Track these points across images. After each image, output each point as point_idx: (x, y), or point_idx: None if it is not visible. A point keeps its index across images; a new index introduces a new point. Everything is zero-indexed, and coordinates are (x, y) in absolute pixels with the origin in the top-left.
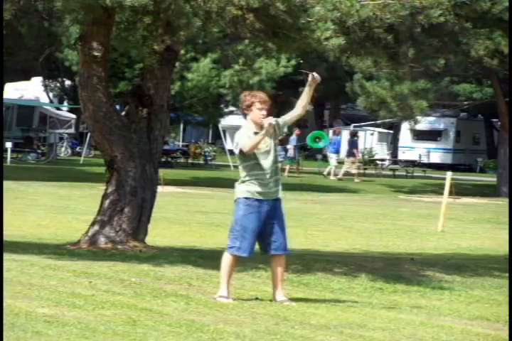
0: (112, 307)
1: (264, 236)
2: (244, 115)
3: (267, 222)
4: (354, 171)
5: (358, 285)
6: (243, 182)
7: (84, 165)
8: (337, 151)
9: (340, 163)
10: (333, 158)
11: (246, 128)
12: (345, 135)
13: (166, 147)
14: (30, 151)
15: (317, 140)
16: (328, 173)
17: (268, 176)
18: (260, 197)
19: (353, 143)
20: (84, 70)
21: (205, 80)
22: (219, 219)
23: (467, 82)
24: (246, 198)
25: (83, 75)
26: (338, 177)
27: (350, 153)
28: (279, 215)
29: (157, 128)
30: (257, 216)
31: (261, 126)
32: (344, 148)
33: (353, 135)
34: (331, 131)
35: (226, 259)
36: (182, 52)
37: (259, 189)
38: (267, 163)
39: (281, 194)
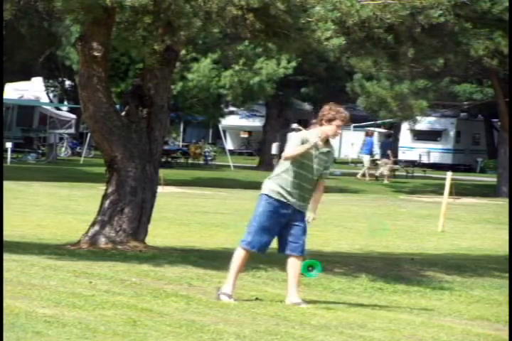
0: (112, 307)
1: (284, 236)
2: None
3: (289, 223)
4: (386, 172)
5: (358, 286)
6: (271, 178)
7: (85, 165)
8: (370, 152)
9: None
10: (366, 160)
11: (309, 135)
12: (350, 135)
13: (166, 147)
14: (31, 151)
15: (310, 268)
16: (363, 175)
17: (295, 187)
18: (282, 199)
19: (387, 144)
20: (85, 70)
21: (206, 81)
22: (219, 220)
23: (467, 82)
24: (268, 196)
25: (83, 75)
26: (367, 178)
27: (384, 155)
28: (302, 219)
29: (157, 128)
30: (275, 216)
31: (326, 141)
32: (367, 149)
33: (388, 136)
34: (363, 133)
35: (237, 252)
36: (183, 52)
37: (282, 191)
38: (301, 177)
39: (306, 210)
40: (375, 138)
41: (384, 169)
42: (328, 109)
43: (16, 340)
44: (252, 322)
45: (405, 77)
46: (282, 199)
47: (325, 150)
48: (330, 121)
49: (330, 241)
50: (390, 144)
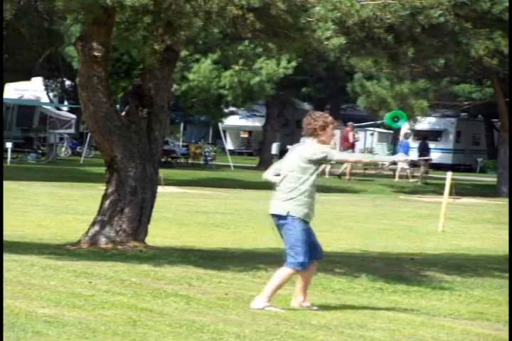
0: (112, 307)
1: (313, 244)
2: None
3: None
4: (418, 174)
5: (359, 286)
6: (296, 199)
7: (85, 165)
8: (406, 154)
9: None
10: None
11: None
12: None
13: (170, 147)
14: (31, 151)
15: (395, 119)
16: (406, 177)
17: (313, 195)
18: (307, 219)
19: (423, 146)
20: (85, 70)
21: (206, 81)
22: (219, 219)
23: (467, 82)
24: (301, 220)
25: (83, 75)
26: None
27: (421, 156)
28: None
29: (157, 128)
30: (310, 230)
31: None
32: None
33: (425, 138)
34: (362, 133)
35: (287, 274)
36: (185, 53)
37: (309, 211)
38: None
39: None
40: (375, 138)
41: (420, 170)
42: (315, 118)
43: (16, 340)
44: (252, 322)
45: (405, 77)
46: (307, 219)
47: None
48: (324, 128)
49: (330, 241)
50: (426, 146)
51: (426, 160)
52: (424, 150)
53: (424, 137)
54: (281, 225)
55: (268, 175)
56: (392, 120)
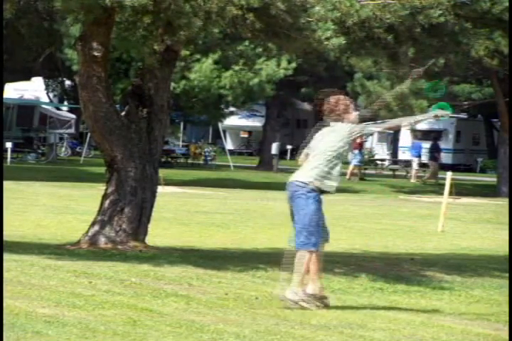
0: (112, 307)
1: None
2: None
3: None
4: (429, 174)
5: (358, 286)
6: (323, 177)
7: (84, 165)
8: (419, 155)
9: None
10: (415, 162)
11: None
12: None
13: (170, 147)
14: (30, 151)
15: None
16: (418, 177)
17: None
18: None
19: (434, 147)
20: (85, 70)
21: (207, 81)
22: (219, 219)
23: (467, 82)
24: (317, 194)
25: (83, 75)
26: (427, 179)
27: (433, 157)
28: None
29: (157, 128)
30: (321, 211)
31: None
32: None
33: (436, 138)
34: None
35: (305, 257)
36: (186, 52)
37: (334, 184)
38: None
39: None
40: (375, 138)
41: (429, 171)
42: (334, 104)
43: (16, 340)
44: (252, 322)
45: (405, 77)
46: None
47: None
48: (347, 111)
49: (330, 241)
50: (437, 147)
51: (435, 160)
52: (435, 151)
53: (435, 138)
54: (296, 197)
55: (302, 160)
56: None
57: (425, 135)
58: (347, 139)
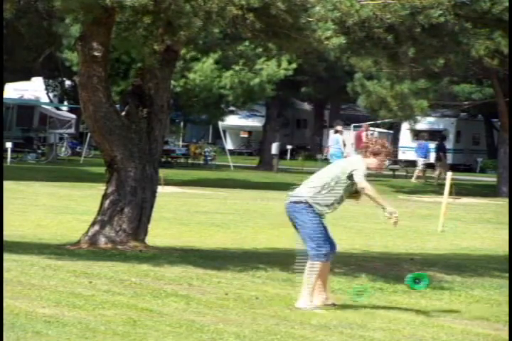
0: (112, 307)
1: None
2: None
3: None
4: (436, 175)
5: (358, 286)
6: (320, 204)
7: (84, 165)
8: (425, 156)
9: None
10: (420, 162)
11: (360, 163)
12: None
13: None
14: (30, 151)
15: (417, 281)
16: (418, 177)
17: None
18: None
19: (440, 147)
20: (85, 70)
21: (208, 81)
22: (219, 219)
23: (467, 82)
24: (317, 213)
25: (83, 75)
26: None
27: (438, 158)
28: None
29: (157, 128)
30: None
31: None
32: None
33: (442, 139)
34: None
35: (317, 268)
36: (184, 51)
37: (327, 210)
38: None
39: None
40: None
41: (437, 171)
42: (374, 142)
43: (16, 340)
44: (252, 322)
45: (405, 76)
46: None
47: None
48: (375, 154)
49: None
50: (442, 147)
51: (440, 160)
52: (441, 151)
53: (442, 137)
54: (295, 212)
55: None
56: (414, 281)
57: (431, 135)
58: (343, 175)
